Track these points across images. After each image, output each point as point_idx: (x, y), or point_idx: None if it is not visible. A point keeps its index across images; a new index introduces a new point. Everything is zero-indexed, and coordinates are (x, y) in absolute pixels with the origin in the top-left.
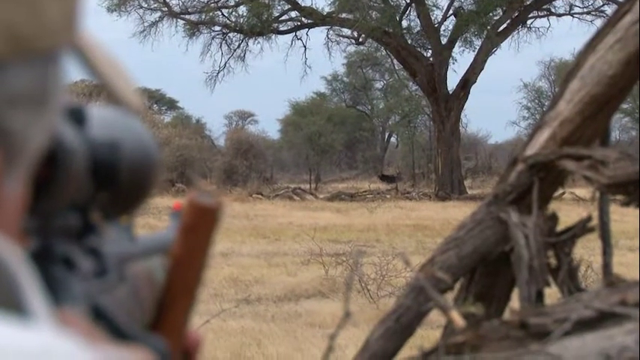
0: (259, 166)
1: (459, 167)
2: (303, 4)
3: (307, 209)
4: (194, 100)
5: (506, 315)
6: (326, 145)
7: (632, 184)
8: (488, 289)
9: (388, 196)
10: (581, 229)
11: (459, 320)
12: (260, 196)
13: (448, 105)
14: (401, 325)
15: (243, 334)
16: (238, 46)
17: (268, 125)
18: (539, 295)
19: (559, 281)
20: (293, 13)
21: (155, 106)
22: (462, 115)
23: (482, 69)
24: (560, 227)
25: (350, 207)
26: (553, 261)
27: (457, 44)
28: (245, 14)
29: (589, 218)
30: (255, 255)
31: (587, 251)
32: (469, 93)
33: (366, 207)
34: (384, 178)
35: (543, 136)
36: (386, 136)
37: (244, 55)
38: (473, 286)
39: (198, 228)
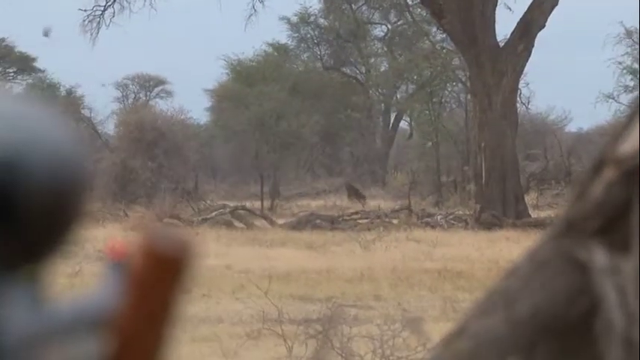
0: (175, 170)
1: (516, 172)
2: None
3: (258, 243)
4: (62, 58)
5: None
6: (289, 135)
7: None
8: None
9: (395, 221)
10: None
11: None
12: (177, 221)
13: (498, 66)
14: None
15: None
16: None
17: (190, 99)
18: None
19: None
20: None
21: None
22: (521, 83)
23: (556, 5)
24: None
25: (330, 240)
26: None
27: None
28: None
29: None
30: None
31: None
32: (532, 46)
33: (358, 240)
34: (353, 192)
35: None
36: (391, 120)
37: None
38: None
39: (158, 287)
